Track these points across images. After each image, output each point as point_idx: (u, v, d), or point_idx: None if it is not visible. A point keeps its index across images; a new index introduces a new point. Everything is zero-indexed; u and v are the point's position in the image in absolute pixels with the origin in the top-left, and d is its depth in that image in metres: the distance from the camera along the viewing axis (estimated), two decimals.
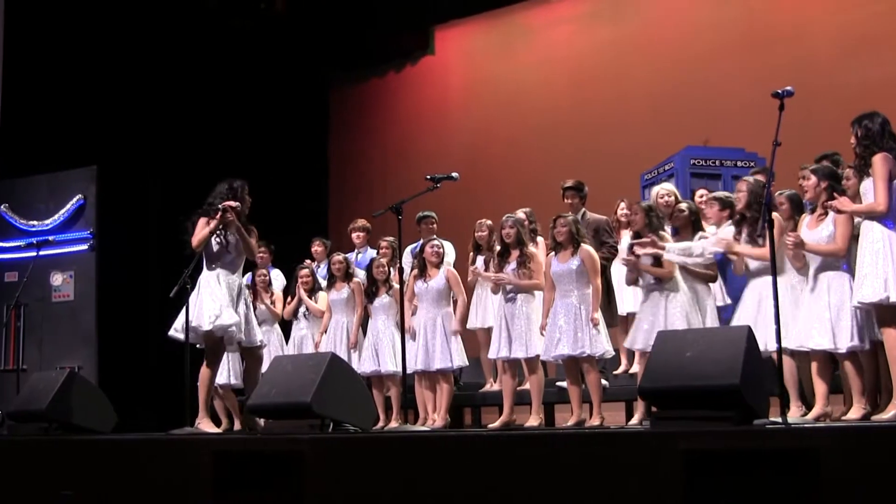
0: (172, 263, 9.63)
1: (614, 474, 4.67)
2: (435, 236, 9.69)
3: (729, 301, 8.25)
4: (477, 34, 15.39)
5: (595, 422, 8.08)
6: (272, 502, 5.74)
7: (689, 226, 7.97)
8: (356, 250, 10.67)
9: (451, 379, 9.08)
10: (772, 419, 5.24)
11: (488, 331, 9.29)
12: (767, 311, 6.75)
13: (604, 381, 8.81)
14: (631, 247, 7.84)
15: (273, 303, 10.39)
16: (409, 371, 8.24)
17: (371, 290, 9.54)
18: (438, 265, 9.17)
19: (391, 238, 9.76)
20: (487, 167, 14.14)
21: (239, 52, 14.54)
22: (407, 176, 13.09)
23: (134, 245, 13.41)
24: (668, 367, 5.32)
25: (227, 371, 10.22)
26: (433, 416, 9.02)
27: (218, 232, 8.10)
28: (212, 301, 8.06)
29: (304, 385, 6.44)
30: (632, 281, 8.21)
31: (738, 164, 10.27)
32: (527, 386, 8.62)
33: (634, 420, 7.98)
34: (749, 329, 5.33)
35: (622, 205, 9.48)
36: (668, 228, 8.13)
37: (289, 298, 10.46)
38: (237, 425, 10.41)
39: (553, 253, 8.31)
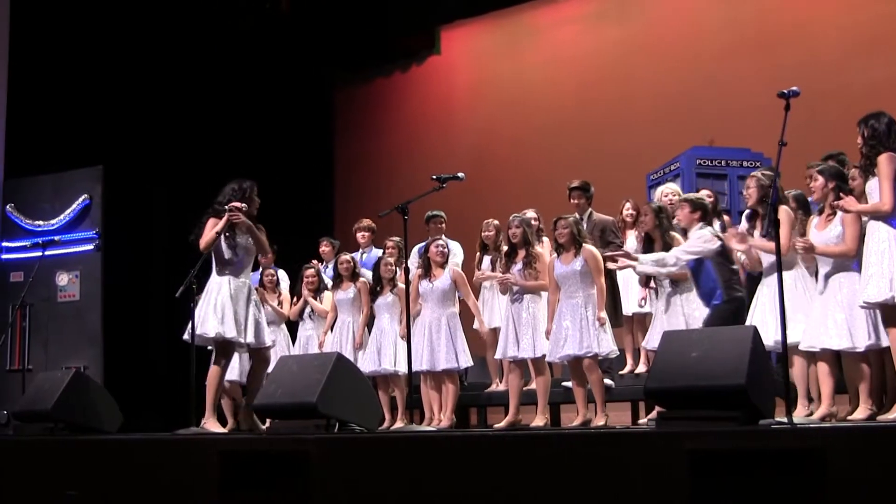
0: (178, 264, 9.66)
1: (620, 474, 4.67)
2: (441, 236, 9.69)
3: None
4: (483, 34, 15.39)
5: (600, 421, 8.08)
6: (278, 502, 5.74)
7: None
8: (361, 250, 10.66)
9: (457, 379, 9.07)
10: (777, 419, 5.23)
11: (495, 331, 9.30)
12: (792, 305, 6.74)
13: (609, 381, 8.82)
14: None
15: (280, 303, 10.39)
16: (414, 371, 8.23)
17: (376, 289, 9.54)
18: (443, 265, 9.16)
19: (397, 238, 9.76)
20: (493, 167, 14.14)
21: (244, 52, 14.56)
22: (412, 176, 13.08)
23: (140, 245, 13.43)
24: (673, 367, 5.32)
25: (238, 367, 10.26)
26: (439, 416, 9.02)
27: (227, 234, 8.08)
28: (217, 309, 8.04)
29: (310, 385, 6.45)
30: (644, 281, 8.22)
31: (744, 164, 10.26)
32: (533, 386, 8.62)
33: (643, 420, 7.97)
34: (755, 329, 5.33)
35: (627, 205, 9.48)
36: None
37: (294, 299, 10.46)
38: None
39: (555, 255, 8.31)
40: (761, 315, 7.01)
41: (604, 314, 8.06)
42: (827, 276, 6.90)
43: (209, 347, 8.44)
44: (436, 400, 9.08)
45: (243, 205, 8.07)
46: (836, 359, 6.97)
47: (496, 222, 9.48)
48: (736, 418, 4.92)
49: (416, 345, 8.76)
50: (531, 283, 8.43)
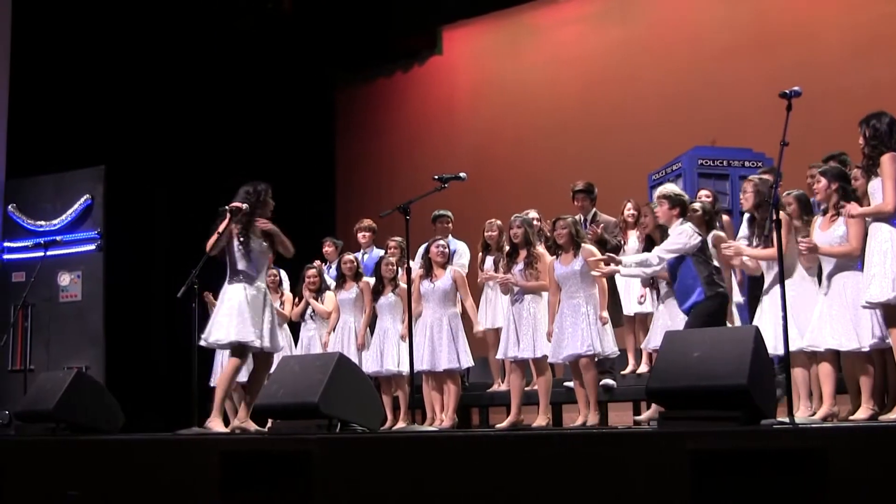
0: (180, 264, 9.66)
1: (621, 474, 4.67)
2: (448, 236, 9.69)
3: (741, 299, 8.25)
4: (485, 34, 15.38)
5: (591, 421, 8.07)
6: (280, 502, 5.74)
7: (703, 225, 7.96)
8: (362, 250, 10.66)
9: (458, 379, 9.07)
10: (779, 419, 5.23)
11: (497, 331, 9.30)
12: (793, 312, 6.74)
13: (611, 381, 8.83)
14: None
15: (282, 304, 10.40)
16: (416, 371, 8.23)
17: (378, 288, 9.54)
18: (444, 265, 9.15)
19: (399, 238, 9.76)
20: (495, 167, 14.14)
21: (245, 52, 14.57)
22: (414, 176, 13.08)
23: (141, 245, 13.44)
24: (675, 367, 5.31)
25: (244, 369, 10.28)
26: (441, 416, 9.02)
27: (241, 240, 8.04)
28: (235, 315, 8.00)
29: (312, 385, 6.45)
30: (647, 281, 8.23)
31: (746, 164, 10.25)
32: (535, 386, 8.62)
33: (644, 416, 7.96)
34: (756, 329, 5.33)
35: (629, 205, 9.49)
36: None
37: (296, 300, 10.46)
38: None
39: (555, 256, 8.31)
40: (763, 325, 6.99)
41: (605, 313, 8.07)
42: (831, 277, 6.91)
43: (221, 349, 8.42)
44: (437, 400, 9.08)
45: (242, 205, 8.04)
46: (836, 359, 6.97)
47: (499, 222, 9.48)
48: (737, 418, 4.92)
49: (418, 345, 8.76)
50: (532, 283, 8.44)
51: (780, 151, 6.02)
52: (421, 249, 9.90)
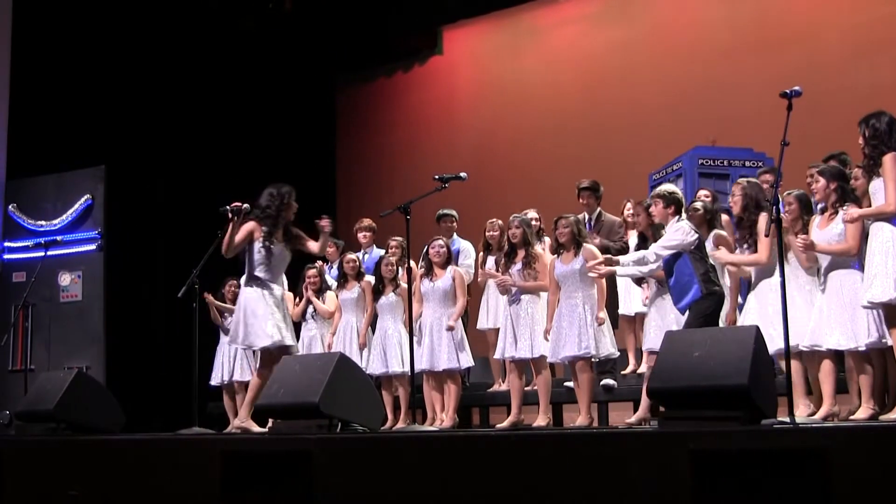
0: (180, 264, 9.67)
1: (623, 474, 4.67)
2: (438, 237, 9.68)
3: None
4: (485, 34, 15.39)
5: (584, 422, 8.07)
6: (280, 502, 5.74)
7: (705, 224, 7.96)
8: (362, 250, 10.65)
9: (459, 379, 9.07)
10: (780, 419, 5.23)
11: (498, 331, 9.29)
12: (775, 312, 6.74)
13: (612, 381, 8.83)
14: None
15: None
16: (416, 371, 8.23)
17: (378, 288, 9.54)
18: (444, 265, 9.15)
19: (399, 238, 9.75)
20: (495, 167, 14.15)
21: (246, 52, 14.57)
22: (414, 176, 13.10)
23: (142, 245, 13.44)
24: (676, 367, 5.31)
25: (248, 367, 10.31)
26: (441, 416, 9.02)
27: (265, 244, 8.02)
28: (269, 320, 8.01)
29: (313, 385, 6.45)
30: (639, 281, 8.23)
31: (747, 164, 10.26)
32: (535, 386, 8.62)
33: (633, 419, 7.95)
34: (757, 329, 5.32)
35: (629, 205, 9.49)
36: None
37: (296, 300, 10.46)
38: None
39: (556, 255, 8.31)
40: (761, 319, 6.99)
41: (603, 314, 8.05)
42: (827, 275, 6.90)
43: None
44: (438, 400, 9.08)
45: (245, 205, 8.03)
46: (837, 358, 6.97)
47: (500, 222, 9.47)
48: (738, 418, 4.92)
49: (418, 345, 8.75)
50: (530, 283, 8.43)
51: (780, 151, 6.02)
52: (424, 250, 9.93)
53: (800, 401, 6.95)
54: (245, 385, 10.42)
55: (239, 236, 8.03)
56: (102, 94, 13.27)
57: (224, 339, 10.50)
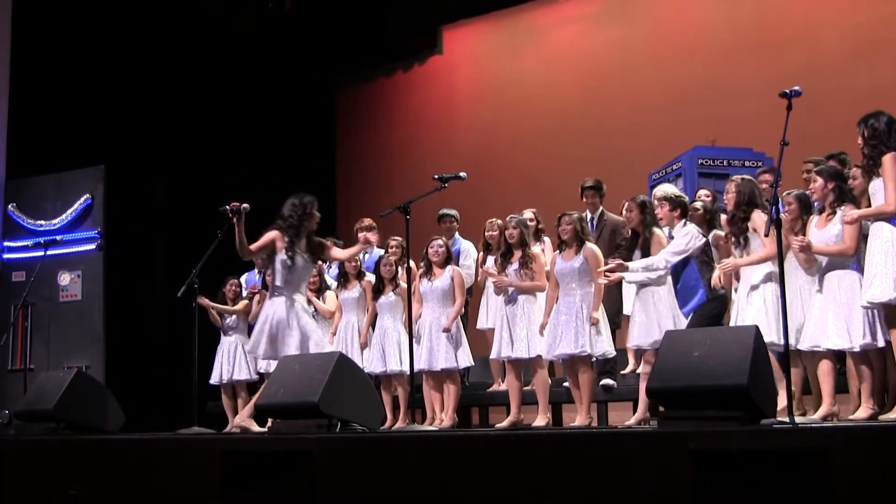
0: (180, 263, 9.66)
1: (622, 474, 4.67)
2: (436, 237, 9.68)
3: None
4: (485, 34, 15.39)
5: (584, 421, 8.08)
6: (281, 502, 5.74)
7: (704, 224, 7.96)
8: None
9: (458, 379, 9.07)
10: (779, 419, 5.23)
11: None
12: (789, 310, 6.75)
13: (611, 381, 8.82)
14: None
15: None
16: (415, 370, 8.22)
17: (378, 288, 9.54)
18: (443, 265, 9.14)
19: (399, 238, 9.75)
20: (495, 167, 14.15)
21: (246, 51, 14.57)
22: (414, 175, 13.11)
23: (141, 245, 13.44)
24: (675, 367, 5.31)
25: (247, 367, 10.32)
26: (441, 415, 9.02)
27: (289, 253, 8.01)
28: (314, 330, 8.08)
29: (312, 385, 6.44)
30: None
31: (746, 163, 10.26)
32: (533, 386, 8.62)
33: (632, 420, 7.95)
34: (757, 329, 5.32)
35: (628, 205, 9.49)
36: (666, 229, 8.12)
37: None
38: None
39: (558, 251, 8.31)
40: (760, 319, 6.99)
41: (597, 314, 8.02)
42: (824, 275, 6.89)
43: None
44: (437, 400, 9.08)
45: (244, 204, 8.00)
46: (835, 359, 6.97)
47: (500, 222, 9.46)
48: (738, 418, 4.92)
49: (417, 345, 8.75)
50: (527, 283, 8.43)
51: (780, 151, 6.01)
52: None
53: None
54: (244, 385, 10.44)
55: (259, 243, 8.03)
56: (102, 93, 13.27)
57: (224, 339, 10.51)
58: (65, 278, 12.67)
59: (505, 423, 8.56)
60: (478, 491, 5.10)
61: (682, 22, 13.46)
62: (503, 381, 9.46)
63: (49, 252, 11.49)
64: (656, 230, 7.90)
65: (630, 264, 7.71)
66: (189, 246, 9.55)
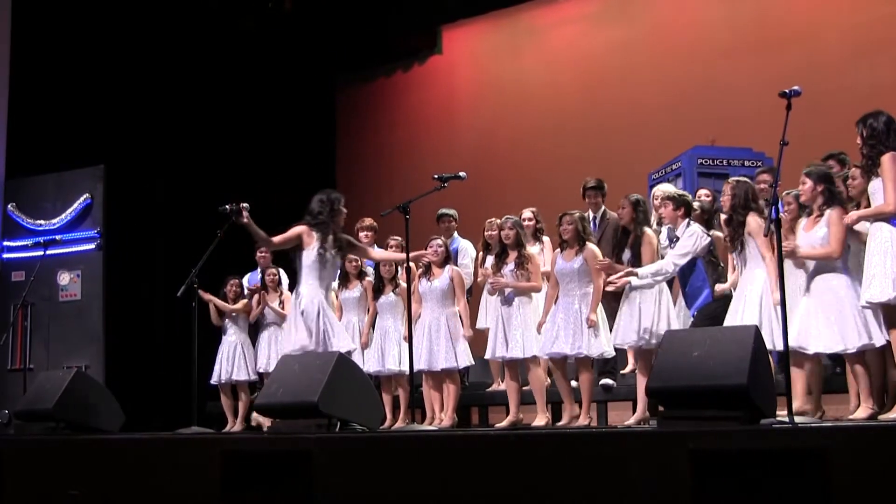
0: (179, 263, 9.66)
1: (622, 474, 4.67)
2: (436, 236, 9.68)
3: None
4: (485, 34, 15.39)
5: (584, 421, 8.08)
6: (281, 502, 5.75)
7: (702, 224, 7.97)
8: None
9: (458, 379, 9.07)
10: (779, 419, 5.24)
11: None
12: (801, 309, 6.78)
13: (611, 381, 8.82)
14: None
15: (282, 303, 10.40)
16: (415, 370, 8.23)
17: (378, 287, 9.54)
18: (442, 264, 9.13)
19: (399, 238, 9.75)
20: (495, 167, 14.15)
21: (246, 51, 14.57)
22: (414, 175, 13.11)
23: (141, 245, 13.44)
24: (675, 367, 5.31)
25: (245, 367, 10.33)
26: (440, 415, 9.02)
27: (321, 250, 7.99)
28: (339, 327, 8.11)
29: (312, 385, 6.45)
30: None
31: (746, 163, 10.27)
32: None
33: (632, 420, 7.95)
34: (756, 329, 5.33)
35: (621, 202, 9.49)
36: (660, 227, 8.11)
37: None
38: (238, 426, 10.46)
39: (559, 250, 8.30)
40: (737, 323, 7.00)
41: (594, 316, 8.01)
42: (814, 278, 6.88)
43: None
44: (437, 399, 9.08)
45: (244, 204, 7.99)
46: (831, 358, 6.98)
47: (499, 222, 9.47)
48: (738, 418, 4.92)
49: (416, 345, 8.75)
50: (523, 284, 8.42)
51: (779, 151, 6.01)
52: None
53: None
54: (245, 385, 10.45)
55: (285, 236, 8.05)
56: (102, 93, 13.27)
57: (225, 339, 10.50)
58: (64, 278, 12.67)
59: (504, 423, 8.57)
60: (477, 491, 5.10)
61: (681, 22, 13.46)
62: (503, 381, 9.46)
63: (49, 252, 11.49)
64: (647, 230, 7.90)
65: (639, 270, 7.68)
66: (189, 246, 9.55)
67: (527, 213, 9.34)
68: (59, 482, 6.98)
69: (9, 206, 13.00)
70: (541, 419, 8.35)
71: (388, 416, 9.37)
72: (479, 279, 9.60)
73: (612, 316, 8.23)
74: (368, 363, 9.36)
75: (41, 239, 12.21)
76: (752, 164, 10.18)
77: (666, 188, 8.89)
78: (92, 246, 12.63)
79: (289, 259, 10.57)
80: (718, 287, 7.58)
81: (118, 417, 8.54)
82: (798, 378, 6.87)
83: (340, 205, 8.22)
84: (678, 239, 7.79)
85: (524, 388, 8.73)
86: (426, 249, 9.13)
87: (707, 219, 8.18)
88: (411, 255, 8.36)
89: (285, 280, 10.70)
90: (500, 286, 8.49)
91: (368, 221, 10.62)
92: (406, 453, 5.54)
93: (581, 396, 8.20)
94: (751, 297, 7.02)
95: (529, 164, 14.06)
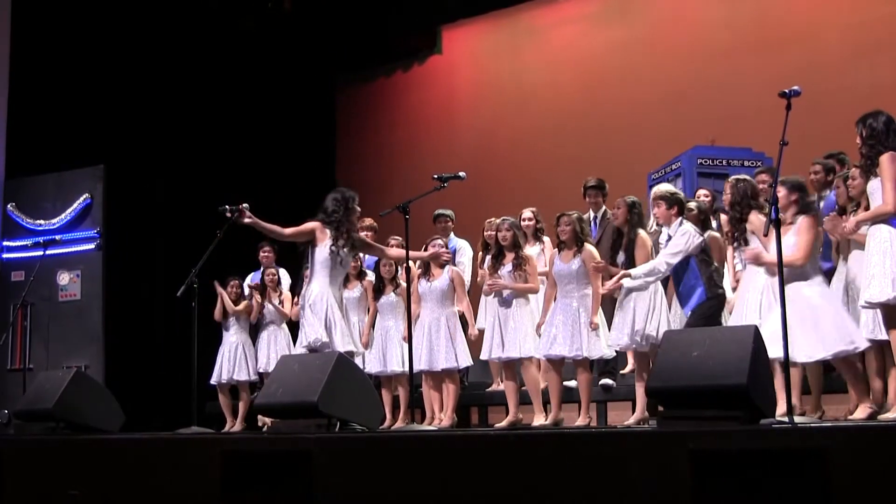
0: (179, 263, 9.66)
1: (622, 474, 4.67)
2: (437, 236, 9.68)
3: None
4: (484, 34, 15.39)
5: (583, 422, 8.08)
6: (281, 502, 5.75)
7: (698, 224, 7.97)
8: None
9: (457, 379, 9.06)
10: (778, 419, 5.24)
11: None
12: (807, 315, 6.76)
13: (610, 381, 8.82)
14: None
15: (281, 303, 10.41)
16: (415, 371, 8.23)
17: (378, 287, 9.54)
18: (442, 265, 9.13)
19: (399, 238, 9.75)
20: (494, 167, 14.15)
21: (246, 51, 14.57)
22: (414, 175, 13.10)
23: (141, 245, 13.43)
24: (675, 367, 5.31)
25: (247, 367, 10.33)
26: (440, 415, 9.02)
27: (333, 247, 7.98)
28: (346, 325, 8.07)
29: (311, 384, 6.45)
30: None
31: (746, 163, 10.26)
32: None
33: (631, 420, 7.95)
34: (756, 329, 5.33)
35: (616, 203, 9.49)
36: (660, 227, 8.11)
37: (295, 299, 10.46)
38: (238, 426, 10.47)
39: (557, 251, 8.30)
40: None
41: (597, 319, 8.02)
42: (785, 287, 6.83)
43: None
44: (436, 399, 9.08)
45: (244, 204, 7.98)
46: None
47: (499, 222, 9.47)
48: (737, 418, 4.92)
49: (416, 345, 8.75)
50: (521, 285, 8.42)
51: (779, 151, 6.01)
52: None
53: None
54: (246, 385, 10.45)
55: (298, 229, 8.07)
56: (102, 93, 13.26)
57: (227, 338, 10.49)
58: (64, 278, 12.67)
59: (504, 423, 8.56)
60: (477, 491, 5.10)
61: (681, 22, 13.46)
62: (502, 381, 9.46)
63: (48, 252, 11.50)
64: (640, 232, 7.90)
65: (632, 271, 7.69)
66: (189, 246, 9.54)
67: (527, 213, 9.34)
68: (58, 482, 6.98)
69: (9, 205, 13.00)
70: (538, 418, 8.35)
71: (388, 416, 9.37)
72: (479, 280, 9.60)
73: (609, 316, 8.24)
74: (370, 364, 9.37)
75: (41, 239, 12.21)
76: (752, 164, 10.17)
77: (666, 188, 8.89)
78: (92, 246, 12.63)
79: (291, 259, 10.63)
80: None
81: (118, 417, 8.53)
82: (780, 387, 6.87)
83: (354, 203, 8.23)
84: (670, 238, 7.81)
85: (522, 388, 8.73)
86: (426, 250, 9.14)
87: (704, 219, 8.18)
88: (430, 254, 8.37)
89: (285, 280, 10.70)
90: (498, 288, 8.49)
91: (368, 221, 10.63)
92: (406, 453, 5.54)
93: (580, 397, 8.19)
94: (751, 303, 7.03)
95: (529, 164, 14.06)
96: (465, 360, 8.98)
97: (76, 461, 7.12)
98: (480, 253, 9.67)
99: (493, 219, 9.59)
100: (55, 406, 8.03)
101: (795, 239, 6.77)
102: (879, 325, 6.67)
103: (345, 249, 8.04)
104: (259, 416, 9.76)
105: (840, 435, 4.31)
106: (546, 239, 9.41)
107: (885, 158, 6.42)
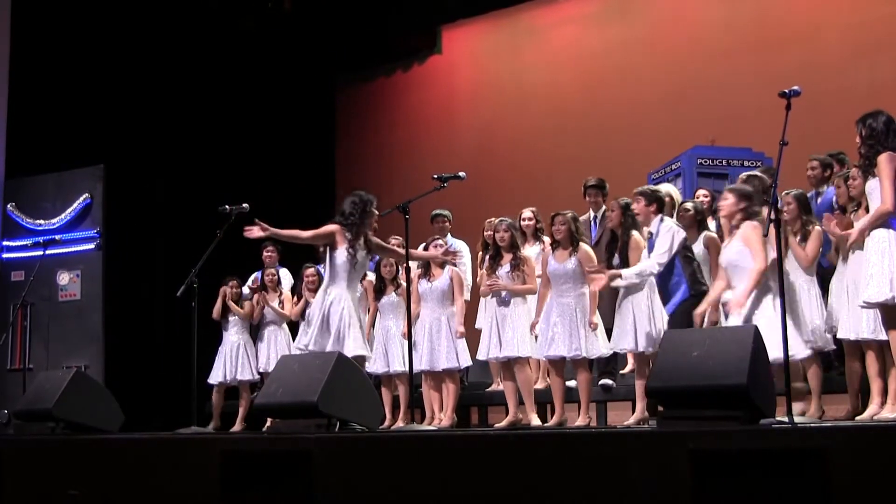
0: (179, 263, 9.66)
1: (622, 474, 4.67)
2: (448, 235, 9.68)
3: None
4: (484, 34, 15.39)
5: (582, 422, 8.08)
6: (281, 502, 5.75)
7: (695, 225, 7.96)
8: None
9: (457, 379, 9.06)
10: (778, 419, 5.24)
11: None
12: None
13: (610, 381, 8.81)
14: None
15: (282, 303, 10.41)
16: (415, 370, 8.23)
17: (379, 288, 9.54)
18: (441, 265, 9.13)
19: (399, 238, 9.75)
20: (494, 167, 14.14)
21: (246, 51, 14.56)
22: (414, 175, 13.10)
23: (141, 245, 13.43)
24: (675, 367, 5.32)
25: (249, 367, 10.33)
26: (440, 415, 9.01)
27: (350, 250, 7.96)
28: (356, 330, 8.05)
29: (311, 384, 6.45)
30: None
31: (745, 163, 10.25)
32: (538, 385, 8.64)
33: (631, 420, 7.94)
34: (755, 329, 5.33)
35: (611, 205, 9.48)
36: (646, 229, 8.10)
37: (295, 298, 10.47)
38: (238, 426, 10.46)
39: (551, 250, 8.29)
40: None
41: (596, 319, 8.02)
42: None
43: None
44: (436, 399, 9.08)
45: (244, 204, 7.98)
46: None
47: (496, 222, 9.47)
48: (737, 418, 4.92)
49: (417, 345, 8.75)
50: (519, 287, 8.41)
51: (779, 151, 6.01)
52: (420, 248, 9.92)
53: None
54: (247, 385, 10.45)
55: (317, 231, 8.08)
56: (102, 93, 13.26)
57: (227, 338, 10.49)
58: (64, 278, 12.67)
59: (504, 423, 8.56)
60: (477, 491, 5.10)
61: (681, 22, 13.46)
62: (502, 381, 9.46)
63: (48, 251, 11.50)
64: (634, 234, 7.88)
65: (623, 272, 7.70)
66: (189, 246, 9.55)
67: (526, 213, 9.34)
68: (58, 482, 6.98)
69: (8, 205, 13.00)
70: (533, 418, 8.35)
71: (388, 416, 9.37)
72: (479, 280, 9.59)
73: (608, 316, 8.24)
74: (371, 363, 9.36)
75: (41, 239, 12.21)
76: (752, 164, 10.16)
77: (650, 187, 8.91)
78: (91, 246, 12.63)
79: (292, 259, 10.64)
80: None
81: (118, 417, 8.54)
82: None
83: (372, 207, 8.21)
84: (651, 235, 7.80)
85: None
86: (426, 249, 9.16)
87: (700, 220, 8.17)
88: (443, 255, 8.37)
89: (285, 280, 10.70)
90: (497, 288, 8.48)
91: None
92: (406, 453, 5.55)
93: (580, 397, 8.19)
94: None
95: (529, 164, 14.05)
96: (466, 360, 8.99)
97: (76, 461, 7.13)
98: (480, 253, 9.67)
99: (492, 219, 9.59)
100: (55, 406, 8.04)
101: (741, 246, 6.73)
102: (879, 325, 6.67)
103: (361, 252, 8.04)
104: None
105: (840, 435, 4.32)
106: (546, 239, 9.40)
107: (882, 158, 6.41)
